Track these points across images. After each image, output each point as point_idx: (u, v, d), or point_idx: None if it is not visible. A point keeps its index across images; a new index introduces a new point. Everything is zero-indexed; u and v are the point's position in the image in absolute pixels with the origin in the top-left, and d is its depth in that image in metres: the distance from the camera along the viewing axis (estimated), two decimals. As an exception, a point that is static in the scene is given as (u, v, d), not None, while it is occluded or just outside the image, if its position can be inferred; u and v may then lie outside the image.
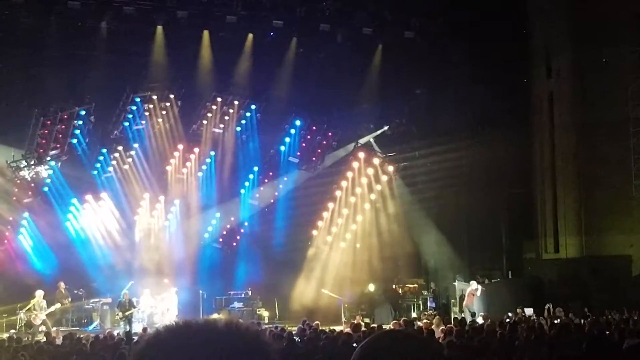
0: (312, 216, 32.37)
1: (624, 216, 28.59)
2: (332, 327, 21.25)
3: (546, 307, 25.04)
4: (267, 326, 22.16)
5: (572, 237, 29.46)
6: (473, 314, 25.01)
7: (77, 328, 25.58)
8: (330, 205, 32.13)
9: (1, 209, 28.55)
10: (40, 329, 24.10)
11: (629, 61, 28.55)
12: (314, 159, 32.07)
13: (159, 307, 26.99)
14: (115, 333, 20.44)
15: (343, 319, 27.62)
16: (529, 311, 24.64)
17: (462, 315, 25.10)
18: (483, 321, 21.56)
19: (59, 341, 18.31)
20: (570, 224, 29.58)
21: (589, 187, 29.31)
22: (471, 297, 26.63)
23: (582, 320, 21.22)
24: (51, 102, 27.84)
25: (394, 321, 23.55)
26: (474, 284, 27.02)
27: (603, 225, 28.86)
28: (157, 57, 28.19)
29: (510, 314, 23.89)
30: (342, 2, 28.81)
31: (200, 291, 28.45)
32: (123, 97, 28.99)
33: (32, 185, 28.91)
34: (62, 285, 26.10)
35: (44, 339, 21.05)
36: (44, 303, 24.71)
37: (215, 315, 26.17)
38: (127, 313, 25.08)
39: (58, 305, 25.27)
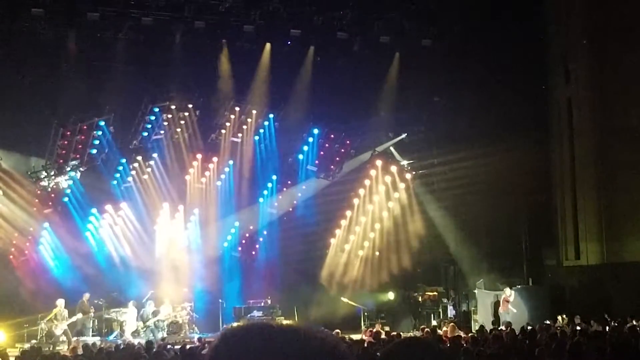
0: (330, 224, 32.36)
1: (645, 222, 28.34)
2: (351, 336, 21.19)
3: (559, 317, 24.88)
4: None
5: (592, 243, 29.23)
6: (505, 323, 24.49)
7: (98, 338, 25.67)
8: (349, 213, 32.12)
9: (21, 219, 28.71)
10: (61, 339, 24.21)
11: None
12: (332, 167, 32.08)
13: (178, 316, 27.07)
14: (135, 342, 20.51)
15: (363, 327, 27.56)
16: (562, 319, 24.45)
17: (484, 323, 24.95)
18: (505, 328, 21.45)
19: (79, 351, 18.36)
20: (590, 230, 29.36)
21: (609, 193, 29.10)
22: (505, 304, 26.50)
23: (604, 328, 21.05)
24: (71, 113, 27.99)
25: (422, 327, 23.52)
26: (507, 290, 26.91)
27: (624, 231, 28.62)
28: (175, 67, 28.35)
29: (547, 322, 23.75)
30: (359, 11, 28.85)
31: (220, 300, 28.51)
32: (142, 107, 29.11)
33: (52, 195, 29.06)
34: (86, 296, 26.18)
35: (65, 348, 21.16)
36: (66, 312, 24.83)
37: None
38: (147, 323, 25.20)
39: (80, 316, 25.37)
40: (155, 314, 26.60)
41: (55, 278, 28.55)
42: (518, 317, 25.76)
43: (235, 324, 2.03)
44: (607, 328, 20.76)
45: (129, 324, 26.20)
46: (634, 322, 21.57)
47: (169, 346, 18.99)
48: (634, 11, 28.22)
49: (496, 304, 27.40)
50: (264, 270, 31.24)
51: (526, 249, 30.99)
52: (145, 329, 25.97)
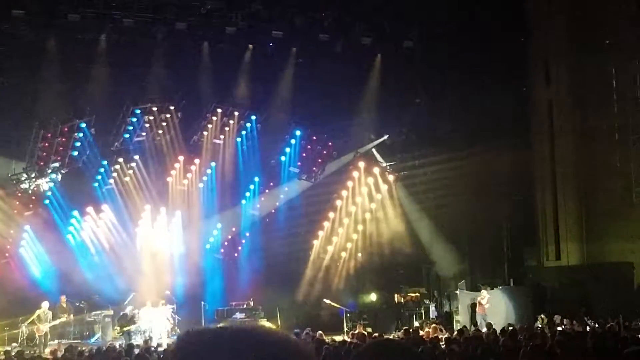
0: (313, 226, 32.38)
1: (625, 222, 28.55)
2: (333, 337, 21.24)
3: (539, 317, 24.99)
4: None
5: (573, 243, 29.43)
6: (487, 324, 24.40)
7: (79, 341, 25.55)
8: (331, 214, 32.15)
9: (2, 222, 28.54)
10: (42, 342, 24.08)
11: (627, 67, 28.58)
12: (314, 168, 32.08)
13: (160, 318, 26.95)
14: (116, 345, 20.46)
15: (345, 329, 27.60)
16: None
17: (466, 324, 25.04)
18: (486, 329, 21.54)
19: (60, 354, 18.30)
20: (571, 230, 29.57)
21: (590, 193, 29.32)
22: (481, 306, 26.58)
23: (585, 327, 21.19)
24: (51, 115, 27.86)
25: (405, 328, 23.54)
26: (483, 292, 27.00)
27: (604, 231, 28.84)
28: (156, 69, 28.28)
29: (539, 323, 23.85)
30: (340, 13, 28.90)
31: (202, 302, 28.44)
32: (123, 109, 29.02)
33: (33, 198, 28.90)
34: (63, 299, 26.04)
35: (47, 350, 21.06)
36: (50, 315, 24.70)
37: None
38: (125, 328, 25.07)
39: (64, 319, 25.23)
40: (135, 318, 26.46)
41: (36, 281, 28.40)
42: (500, 318, 25.85)
43: (193, 328, 2.05)
44: (588, 328, 20.91)
45: (158, 325, 26.01)
46: (614, 323, 21.74)
47: (152, 349, 18.95)
48: (614, 13, 28.44)
49: (473, 306, 27.50)
50: (246, 272, 31.18)
51: (507, 250, 31.13)
52: (122, 333, 25.82)
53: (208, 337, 1.96)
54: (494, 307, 26.85)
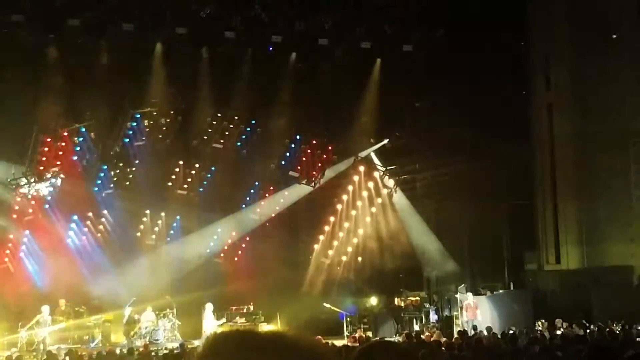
0: (313, 230, 32.34)
1: (624, 226, 28.60)
2: (333, 341, 21.20)
3: (538, 322, 24.94)
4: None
5: (573, 247, 29.44)
6: (488, 328, 24.50)
7: (79, 345, 25.51)
8: (332, 218, 32.12)
9: (2, 226, 28.51)
10: (41, 347, 24.04)
11: (628, 71, 28.61)
12: (314, 173, 32.05)
13: (160, 323, 26.93)
14: (117, 350, 20.43)
15: (345, 333, 27.57)
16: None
17: (464, 328, 25.02)
18: (487, 333, 21.53)
19: (60, 359, 18.28)
20: (571, 234, 29.57)
21: (589, 197, 29.33)
22: (470, 310, 26.56)
23: (585, 331, 21.17)
24: (51, 119, 27.87)
25: (405, 332, 23.53)
26: (469, 296, 26.98)
27: (604, 235, 28.85)
28: (156, 73, 28.31)
29: (539, 327, 23.82)
30: (340, 17, 28.92)
31: (202, 307, 28.38)
32: (123, 113, 29.04)
33: (33, 202, 28.87)
34: (62, 302, 26.02)
35: (46, 355, 21.04)
36: (49, 319, 24.66)
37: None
38: (131, 332, 25.12)
39: (62, 325, 25.18)
40: (136, 321, 26.45)
41: (36, 286, 28.37)
42: (500, 321, 25.83)
43: (219, 330, 2.02)
44: (588, 332, 20.90)
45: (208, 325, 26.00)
46: (614, 326, 21.73)
47: (152, 353, 18.94)
48: (614, 18, 28.48)
49: (460, 309, 27.46)
50: (246, 277, 31.13)
51: (507, 254, 31.13)
52: (130, 337, 25.80)
53: (237, 340, 1.94)
54: (491, 312, 26.81)
